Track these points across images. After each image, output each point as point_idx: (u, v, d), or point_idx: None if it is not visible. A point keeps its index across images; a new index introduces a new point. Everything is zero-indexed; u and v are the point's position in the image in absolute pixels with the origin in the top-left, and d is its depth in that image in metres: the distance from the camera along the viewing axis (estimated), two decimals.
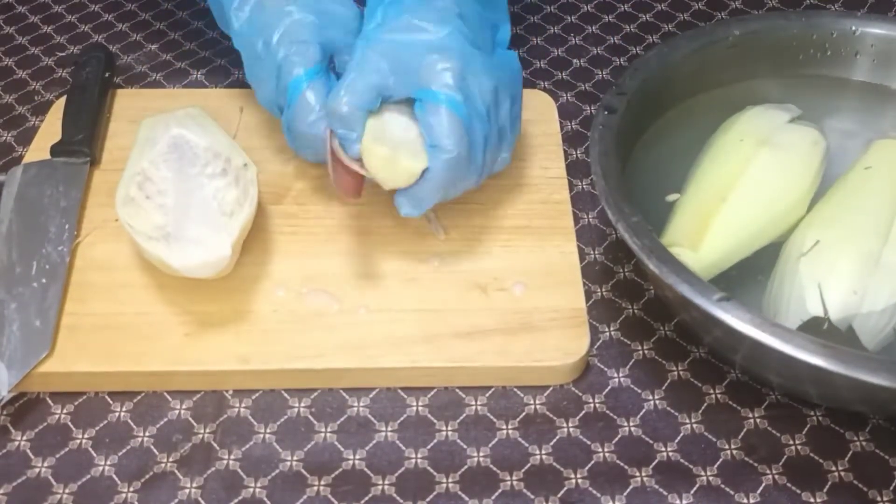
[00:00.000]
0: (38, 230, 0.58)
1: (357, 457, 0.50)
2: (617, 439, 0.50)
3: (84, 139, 0.63)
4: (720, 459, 0.49)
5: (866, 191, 0.54)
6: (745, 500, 0.48)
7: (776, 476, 0.49)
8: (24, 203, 0.60)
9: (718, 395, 0.52)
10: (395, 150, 0.51)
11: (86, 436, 0.51)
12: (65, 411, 0.52)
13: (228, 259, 0.52)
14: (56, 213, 0.59)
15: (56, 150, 0.63)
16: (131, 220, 0.54)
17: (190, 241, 0.52)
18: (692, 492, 0.48)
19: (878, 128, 0.61)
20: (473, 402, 0.52)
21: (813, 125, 0.58)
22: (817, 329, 0.48)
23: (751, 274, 0.52)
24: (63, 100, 0.67)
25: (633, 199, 0.50)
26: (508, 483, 0.48)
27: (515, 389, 0.53)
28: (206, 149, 0.58)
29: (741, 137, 0.57)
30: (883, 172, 0.55)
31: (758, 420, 0.51)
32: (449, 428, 0.51)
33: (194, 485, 0.48)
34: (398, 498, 0.48)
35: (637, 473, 0.49)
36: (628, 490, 0.48)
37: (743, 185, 0.54)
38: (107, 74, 0.69)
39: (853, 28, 0.61)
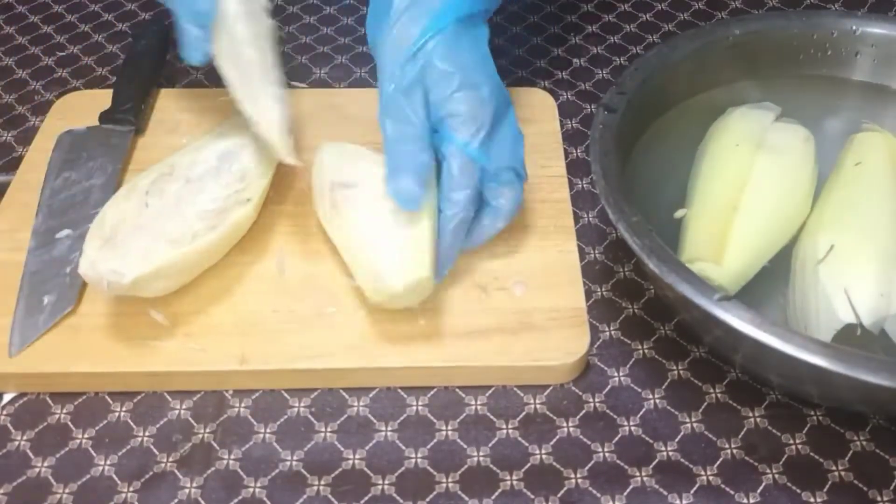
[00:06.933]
0: (82, 195, 0.60)
1: (357, 456, 0.50)
2: (617, 439, 0.50)
3: (131, 108, 0.65)
4: (720, 459, 0.49)
5: (864, 188, 0.54)
6: (745, 500, 0.48)
7: (776, 475, 0.49)
8: (69, 168, 0.62)
9: (718, 395, 0.52)
10: (387, 282, 0.50)
11: (86, 436, 0.51)
12: (65, 411, 0.52)
13: (126, 286, 0.50)
14: (100, 177, 0.61)
15: (104, 117, 0.65)
16: (111, 206, 0.54)
17: (117, 252, 0.51)
18: (692, 491, 0.48)
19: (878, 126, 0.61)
20: (473, 402, 0.52)
21: (797, 122, 0.58)
22: (850, 336, 0.48)
23: (765, 283, 0.52)
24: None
25: (633, 198, 0.50)
26: (508, 483, 0.48)
27: (515, 389, 0.53)
28: (240, 169, 0.58)
29: (736, 142, 0.57)
30: (874, 167, 0.55)
31: (758, 419, 0.51)
32: (449, 428, 0.51)
33: (194, 485, 0.48)
34: (398, 498, 0.48)
35: (637, 473, 0.49)
36: (628, 490, 0.48)
37: (751, 192, 0.54)
38: (163, 47, 0.72)
39: (853, 28, 0.61)
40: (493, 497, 0.48)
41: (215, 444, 0.50)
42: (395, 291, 0.50)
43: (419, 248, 0.51)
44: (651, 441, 0.50)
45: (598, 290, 0.58)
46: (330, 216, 0.55)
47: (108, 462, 0.49)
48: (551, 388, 0.53)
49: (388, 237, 0.52)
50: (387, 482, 0.49)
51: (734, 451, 0.50)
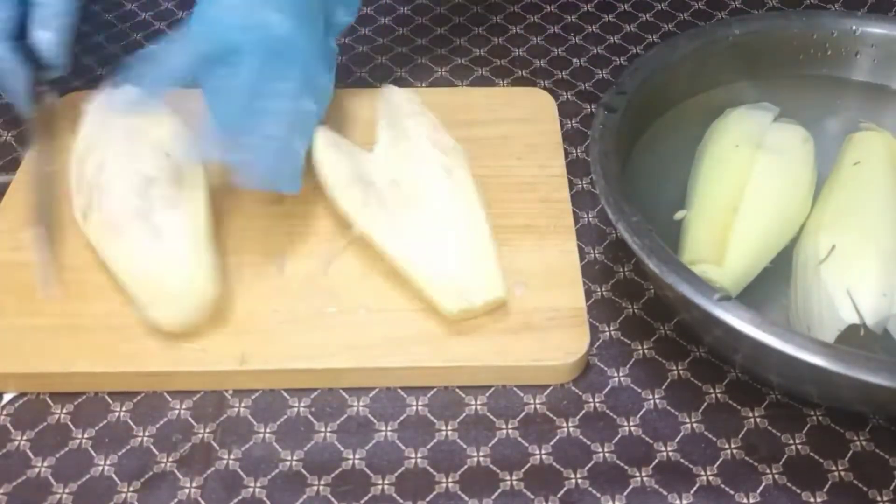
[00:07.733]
0: None
1: (357, 456, 0.50)
2: (617, 439, 0.50)
3: None
4: (720, 459, 0.49)
5: (864, 187, 0.54)
6: (745, 500, 0.48)
7: (776, 476, 0.49)
8: None
9: (718, 395, 0.52)
10: (469, 298, 0.52)
11: (86, 436, 0.51)
12: (65, 411, 0.52)
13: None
14: None
15: None
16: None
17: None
18: (692, 491, 0.48)
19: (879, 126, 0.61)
20: (473, 402, 0.52)
21: (796, 122, 0.58)
22: (854, 337, 0.48)
23: (767, 284, 0.52)
24: None
25: (633, 198, 0.50)
26: (508, 483, 0.48)
27: (515, 389, 0.53)
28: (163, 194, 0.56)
29: (735, 143, 0.57)
30: (874, 166, 0.55)
31: (758, 419, 0.51)
32: (449, 428, 0.51)
33: (194, 485, 0.48)
34: (398, 498, 0.48)
35: (637, 473, 0.49)
36: (628, 490, 0.48)
37: (751, 194, 0.54)
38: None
39: (853, 28, 0.61)
40: (493, 497, 0.48)
41: (215, 444, 0.50)
42: (475, 307, 0.52)
43: (495, 268, 0.54)
44: (651, 441, 0.50)
45: (598, 290, 0.58)
46: (368, 211, 0.55)
47: (108, 462, 0.49)
48: (551, 388, 0.53)
49: (460, 250, 0.54)
50: (387, 482, 0.49)
51: (734, 451, 0.50)
